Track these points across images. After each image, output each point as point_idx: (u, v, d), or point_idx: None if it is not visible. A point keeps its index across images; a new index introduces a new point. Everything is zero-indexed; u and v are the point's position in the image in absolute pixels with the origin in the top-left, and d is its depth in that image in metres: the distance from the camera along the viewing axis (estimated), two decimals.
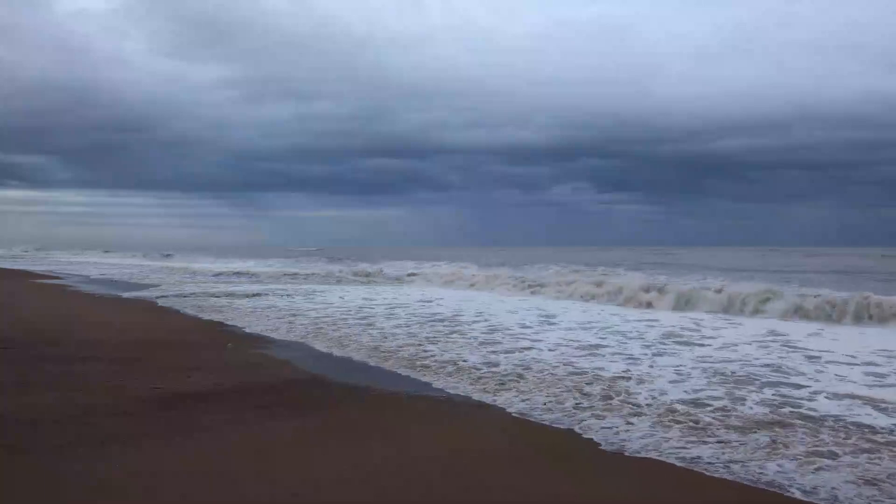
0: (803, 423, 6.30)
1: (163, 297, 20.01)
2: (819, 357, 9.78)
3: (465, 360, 9.39)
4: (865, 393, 7.45)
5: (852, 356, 9.78)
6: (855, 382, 8.02)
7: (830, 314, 14.19)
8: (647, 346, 10.71)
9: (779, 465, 5.13)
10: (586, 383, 7.92)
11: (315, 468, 4.97)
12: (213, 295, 20.73)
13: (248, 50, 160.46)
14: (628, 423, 6.31)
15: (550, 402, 7.08)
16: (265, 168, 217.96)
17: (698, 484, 4.85)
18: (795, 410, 6.74)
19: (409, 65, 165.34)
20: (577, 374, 8.49)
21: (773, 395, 7.39)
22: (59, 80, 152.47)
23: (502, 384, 7.92)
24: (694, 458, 5.31)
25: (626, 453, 5.47)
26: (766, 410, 6.73)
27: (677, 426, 6.18)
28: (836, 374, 8.49)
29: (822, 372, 8.66)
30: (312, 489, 4.58)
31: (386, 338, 11.52)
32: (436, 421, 6.46)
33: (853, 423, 6.26)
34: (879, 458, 5.31)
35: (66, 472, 4.77)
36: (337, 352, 10.26)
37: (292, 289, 23.80)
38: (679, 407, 6.85)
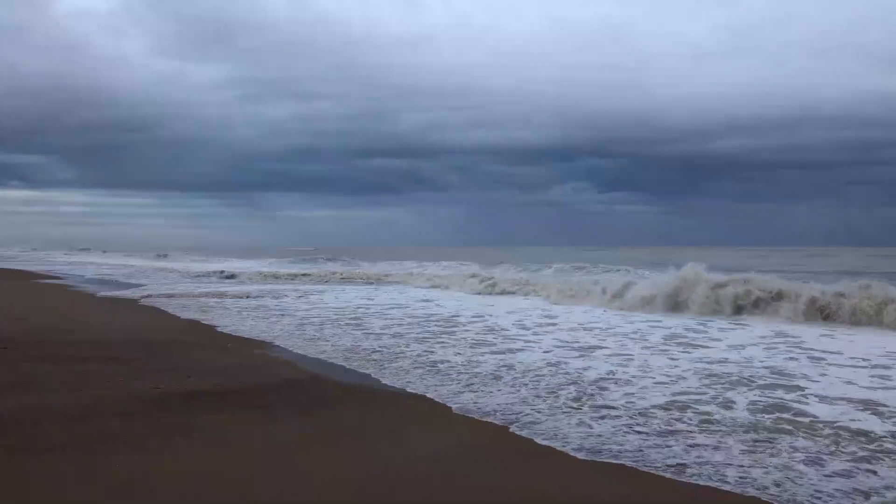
0: (789, 427, 6.10)
1: (163, 297, 20.01)
2: (825, 359, 9.55)
3: (446, 361, 9.29)
4: (866, 397, 7.22)
5: (865, 359, 9.51)
6: (856, 385, 7.80)
7: (849, 315, 13.61)
8: (647, 348, 10.63)
9: (744, 471, 4.95)
10: (563, 385, 7.80)
11: (315, 468, 4.97)
12: (212, 295, 20.74)
13: (248, 50, 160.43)
14: (581, 423, 6.22)
15: (509, 402, 6.99)
16: (265, 168, 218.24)
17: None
18: (781, 416, 6.48)
19: (409, 65, 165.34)
20: (559, 374, 8.39)
21: (765, 398, 7.17)
22: (59, 80, 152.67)
23: (469, 385, 7.82)
24: (638, 458, 5.23)
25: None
26: (752, 414, 6.54)
27: (640, 427, 6.06)
28: (840, 378, 8.23)
29: (825, 375, 8.43)
30: (313, 489, 4.58)
31: (368, 338, 11.54)
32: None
33: (843, 429, 6.02)
34: (870, 467, 5.05)
35: (66, 472, 4.78)
36: (325, 354, 10.25)
37: (291, 289, 23.83)
38: (655, 410, 6.67)
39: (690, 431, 5.98)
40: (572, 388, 7.66)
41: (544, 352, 10.23)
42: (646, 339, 11.50)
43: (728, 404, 6.92)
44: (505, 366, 8.99)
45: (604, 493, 4.71)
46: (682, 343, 11.16)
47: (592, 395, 7.34)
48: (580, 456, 5.37)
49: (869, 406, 6.86)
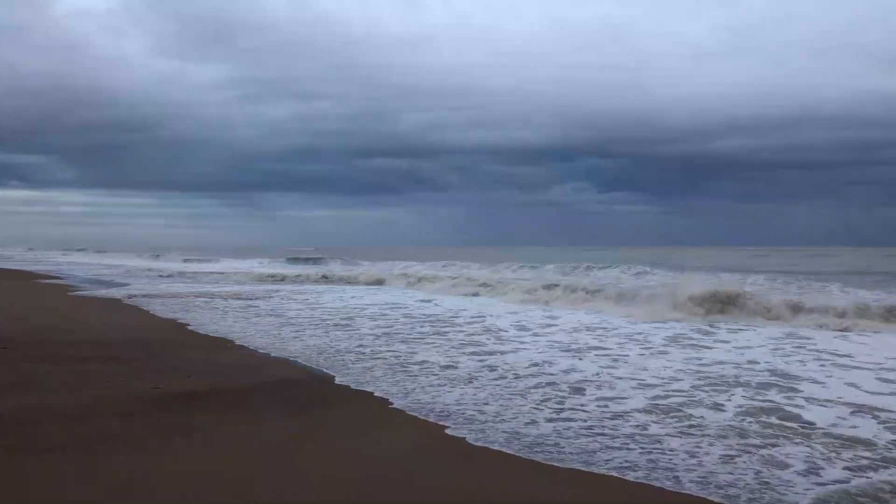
0: (774, 431, 5.93)
1: (162, 297, 20.02)
2: (833, 361, 9.35)
3: (424, 362, 9.17)
4: (867, 401, 6.97)
5: (877, 362, 9.27)
6: (860, 389, 7.57)
7: (864, 316, 13.33)
8: (646, 349, 10.49)
9: (707, 473, 4.84)
10: (538, 386, 7.68)
11: (315, 468, 4.98)
12: (211, 296, 20.74)
13: (248, 50, 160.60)
14: (532, 422, 6.17)
15: (460, 402, 6.93)
16: (265, 168, 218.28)
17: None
18: (768, 420, 6.28)
19: (409, 65, 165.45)
20: (541, 375, 8.29)
21: (758, 401, 6.96)
22: (59, 80, 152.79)
23: (432, 385, 7.74)
24: (588, 461, 5.16)
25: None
26: (736, 417, 6.38)
27: (603, 430, 5.95)
28: (843, 380, 8.02)
29: (830, 377, 8.22)
30: (312, 489, 4.59)
31: (350, 339, 11.52)
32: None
33: (837, 435, 5.79)
34: (864, 475, 4.84)
35: (66, 472, 4.79)
36: (294, 354, 10.26)
37: (288, 290, 23.82)
38: (633, 413, 6.52)
39: (664, 435, 5.81)
40: (548, 389, 7.56)
41: (536, 353, 10.10)
42: (648, 341, 11.34)
43: (717, 407, 6.77)
44: (487, 367, 8.87)
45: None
46: (685, 345, 10.96)
47: (565, 397, 7.18)
48: (523, 455, 5.30)
49: (865, 410, 6.63)
